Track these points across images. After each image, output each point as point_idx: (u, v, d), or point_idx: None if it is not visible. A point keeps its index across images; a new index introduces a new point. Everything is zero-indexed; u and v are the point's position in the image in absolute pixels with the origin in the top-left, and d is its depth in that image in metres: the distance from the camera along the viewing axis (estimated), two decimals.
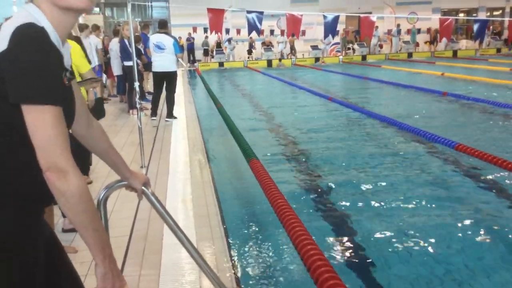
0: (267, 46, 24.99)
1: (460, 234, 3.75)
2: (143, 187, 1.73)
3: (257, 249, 3.54)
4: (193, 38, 25.74)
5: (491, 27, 26.49)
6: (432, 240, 3.63)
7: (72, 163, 1.18)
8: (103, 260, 1.25)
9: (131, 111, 9.15)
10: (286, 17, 10.55)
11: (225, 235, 3.49)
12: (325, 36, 13.98)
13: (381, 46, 26.58)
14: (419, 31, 27.30)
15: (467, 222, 3.98)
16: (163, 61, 8.22)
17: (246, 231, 3.88)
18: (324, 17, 9.99)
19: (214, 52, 24.50)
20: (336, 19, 9.57)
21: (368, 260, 3.40)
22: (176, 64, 8.48)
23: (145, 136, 6.01)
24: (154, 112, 8.67)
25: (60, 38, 1.28)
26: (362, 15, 11.83)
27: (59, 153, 1.16)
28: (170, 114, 8.45)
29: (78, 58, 3.56)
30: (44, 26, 1.21)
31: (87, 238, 1.21)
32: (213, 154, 6.31)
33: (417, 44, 26.74)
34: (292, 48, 25.38)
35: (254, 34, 14.36)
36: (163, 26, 8.58)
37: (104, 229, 1.27)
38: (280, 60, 23.84)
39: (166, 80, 8.34)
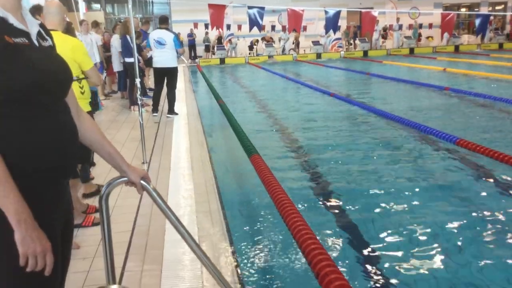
0: (268, 42, 24.93)
1: (463, 229, 3.75)
2: (142, 181, 1.73)
3: (259, 244, 3.55)
4: (194, 34, 25.69)
5: (493, 22, 26.37)
6: (435, 236, 3.63)
7: None
8: (18, 224, 1.26)
9: (132, 107, 9.16)
10: (288, 13, 10.54)
11: (227, 231, 3.50)
12: (327, 31, 13.98)
13: (384, 37, 26.42)
14: (420, 26, 27.19)
15: (470, 217, 3.98)
16: (163, 57, 8.21)
17: (248, 227, 3.89)
18: (326, 12, 9.95)
19: (215, 48, 24.46)
20: (337, 14, 9.56)
21: (369, 254, 3.41)
22: (177, 59, 8.47)
23: (147, 132, 6.01)
24: (155, 108, 8.68)
25: (4, 6, 1.37)
26: (363, 10, 11.78)
27: None
28: (171, 110, 8.45)
29: (81, 56, 3.55)
30: None
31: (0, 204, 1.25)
32: (215, 150, 6.32)
33: (419, 39, 26.63)
34: (297, 43, 25.30)
35: (255, 33, 14.31)
36: (163, 21, 8.56)
37: (17, 193, 1.26)
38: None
39: (167, 76, 8.33)
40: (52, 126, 1.42)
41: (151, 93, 9.70)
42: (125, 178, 1.72)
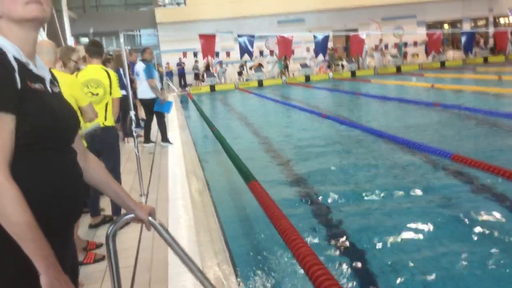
0: (257, 67, 25.19)
1: (456, 241, 3.75)
2: (150, 218, 1.72)
3: (264, 272, 3.51)
4: (183, 63, 25.94)
5: (477, 38, 26.93)
6: (433, 252, 3.62)
7: (7, 175, 1.23)
8: (46, 268, 1.24)
9: (126, 139, 9.14)
10: (277, 39, 10.71)
11: (231, 260, 3.46)
12: (316, 55, 14.17)
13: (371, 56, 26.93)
14: (406, 44, 27.69)
15: (465, 230, 3.99)
16: (140, 88, 8.38)
17: (251, 254, 3.85)
18: (315, 37, 10.12)
19: (205, 76, 24.66)
20: (326, 38, 9.71)
21: (372, 274, 3.39)
22: (153, 90, 8.21)
23: (142, 164, 5.99)
24: (147, 139, 8.67)
25: (24, 52, 1.39)
26: (351, 33, 12.02)
27: None
28: (164, 139, 8.45)
29: (77, 91, 3.57)
30: (3, 45, 1.34)
31: (26, 249, 1.23)
32: (212, 178, 6.30)
33: (405, 57, 27.07)
34: (286, 67, 25.61)
35: (245, 58, 14.48)
36: (142, 53, 8.69)
37: (44, 238, 1.25)
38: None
39: (147, 107, 8.39)
40: (67, 168, 1.45)
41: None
42: (132, 215, 1.71)
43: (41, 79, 1.44)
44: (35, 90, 1.37)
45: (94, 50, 4.76)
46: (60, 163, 1.43)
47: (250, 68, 25.40)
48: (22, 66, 1.36)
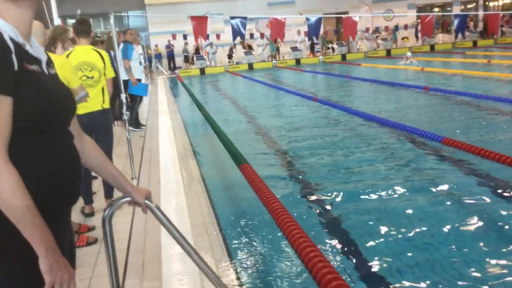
0: (247, 50, 24.99)
1: (449, 225, 3.80)
2: (146, 201, 1.72)
3: (257, 254, 3.54)
4: (172, 45, 25.65)
5: (468, 21, 26.95)
6: (424, 233, 3.68)
7: (5, 158, 1.21)
8: (45, 252, 1.24)
9: (115, 122, 9.06)
10: (270, 22, 10.60)
11: (224, 243, 3.49)
12: (309, 38, 14.05)
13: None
14: (396, 27, 27.64)
15: (457, 213, 4.05)
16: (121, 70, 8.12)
17: (244, 237, 3.88)
18: (307, 19, 10.04)
19: (195, 58, 24.43)
20: (319, 20, 9.64)
21: (363, 258, 3.43)
22: (127, 71, 8.00)
23: (133, 147, 5.96)
24: (136, 122, 8.61)
25: (20, 32, 1.35)
26: (344, 16, 11.95)
27: None
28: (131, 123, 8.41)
29: (68, 73, 3.52)
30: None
31: (25, 233, 1.22)
32: (203, 161, 6.30)
33: (395, 41, 27.05)
34: (277, 50, 25.45)
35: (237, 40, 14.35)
36: (124, 34, 8.51)
37: (43, 222, 1.25)
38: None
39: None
40: (64, 151, 1.44)
41: None
42: (128, 198, 1.71)
43: (37, 61, 1.41)
44: (32, 71, 1.34)
45: (81, 29, 4.50)
46: (57, 145, 1.41)
47: (241, 42, 25.02)
48: (18, 47, 1.32)
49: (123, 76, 8.00)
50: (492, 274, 3.08)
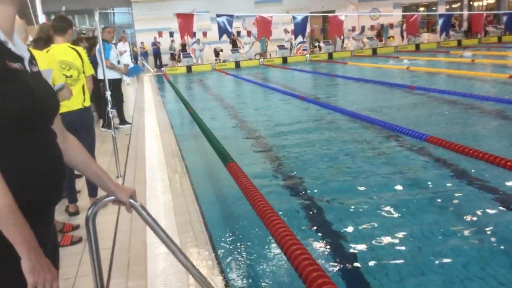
0: (234, 48, 24.92)
1: (433, 225, 3.85)
2: (131, 200, 1.71)
3: (244, 252, 3.54)
4: (159, 43, 25.49)
5: (453, 20, 27.23)
6: (409, 230, 3.71)
7: None
8: (28, 252, 1.22)
9: (100, 120, 8.98)
10: (256, 20, 10.60)
11: (210, 241, 3.47)
12: (296, 36, 14.07)
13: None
14: (382, 26, 27.81)
15: (440, 211, 4.10)
16: (99, 69, 7.81)
17: (230, 235, 3.88)
18: (294, 17, 10.06)
19: (181, 56, 24.30)
20: (305, 19, 9.66)
21: (348, 254, 3.46)
22: (104, 70, 7.95)
23: (118, 145, 5.92)
24: (122, 120, 8.55)
25: (2, 29, 1.34)
26: (330, 15, 12.00)
27: None
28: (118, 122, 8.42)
29: (53, 70, 3.48)
30: None
31: (7, 233, 1.21)
32: (190, 159, 6.26)
33: (381, 39, 27.22)
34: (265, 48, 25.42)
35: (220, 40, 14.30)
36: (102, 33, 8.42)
37: (25, 221, 1.23)
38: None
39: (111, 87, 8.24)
40: (48, 150, 1.42)
41: None
42: (112, 197, 1.69)
43: (20, 59, 1.39)
44: (14, 70, 1.32)
45: (57, 26, 4.31)
46: (40, 144, 1.39)
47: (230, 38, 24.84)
48: (0, 44, 1.31)
49: (109, 75, 7.93)
50: (477, 271, 3.12)
